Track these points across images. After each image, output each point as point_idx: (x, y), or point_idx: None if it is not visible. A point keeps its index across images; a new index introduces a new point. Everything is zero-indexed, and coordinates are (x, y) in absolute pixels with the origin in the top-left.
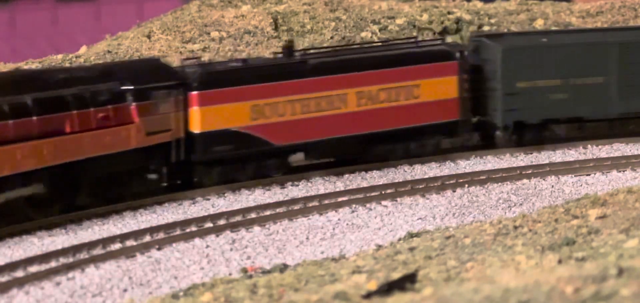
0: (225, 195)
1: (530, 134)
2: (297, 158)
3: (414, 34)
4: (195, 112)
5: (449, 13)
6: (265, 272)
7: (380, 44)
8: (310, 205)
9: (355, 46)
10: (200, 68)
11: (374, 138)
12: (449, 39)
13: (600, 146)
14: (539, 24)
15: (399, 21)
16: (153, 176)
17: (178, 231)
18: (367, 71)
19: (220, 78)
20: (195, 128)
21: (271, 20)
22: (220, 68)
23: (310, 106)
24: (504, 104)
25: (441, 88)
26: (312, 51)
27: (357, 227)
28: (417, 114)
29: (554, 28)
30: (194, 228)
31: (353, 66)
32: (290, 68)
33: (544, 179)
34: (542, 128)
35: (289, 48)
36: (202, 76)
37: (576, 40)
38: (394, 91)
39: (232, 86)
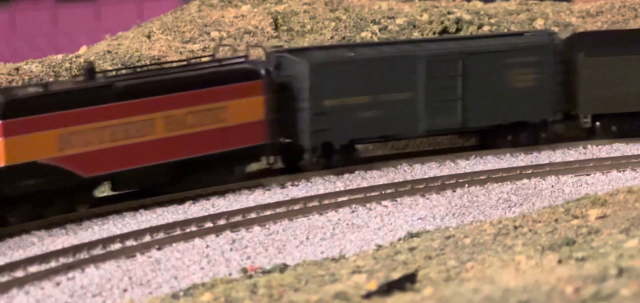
0: (225, 195)
1: (338, 156)
2: (102, 189)
3: (213, 52)
4: None
5: (449, 13)
6: (265, 272)
7: (186, 63)
8: (310, 205)
9: (164, 66)
10: (2, 96)
11: (184, 165)
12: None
13: (600, 146)
14: (539, 24)
15: (399, 21)
16: None
17: (178, 231)
18: (174, 93)
19: (26, 106)
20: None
21: (271, 20)
22: (24, 94)
23: (118, 133)
24: (311, 125)
25: (247, 110)
26: (116, 73)
27: (357, 227)
28: (224, 138)
29: (554, 29)
30: (194, 228)
31: (160, 88)
32: (97, 93)
33: (544, 179)
34: (350, 149)
35: (89, 70)
36: (5, 104)
37: (384, 53)
38: (201, 114)
39: (38, 113)
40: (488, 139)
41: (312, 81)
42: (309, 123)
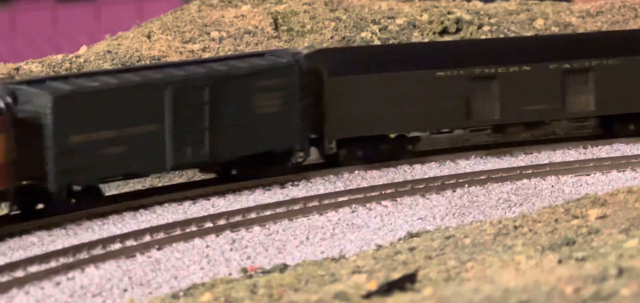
0: (225, 195)
1: (84, 199)
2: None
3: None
4: None
5: (449, 13)
6: (265, 272)
7: None
8: (310, 205)
9: None
10: None
11: None
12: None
13: (600, 146)
14: (539, 24)
15: (399, 21)
16: None
17: (178, 231)
18: None
19: None
20: None
21: (271, 20)
22: None
23: None
24: (56, 165)
25: None
26: None
27: (357, 227)
28: None
29: (554, 28)
30: (194, 228)
31: None
32: None
33: (544, 179)
34: (96, 192)
35: None
36: None
37: (129, 82)
38: None
39: None
40: (241, 173)
41: (55, 115)
42: (53, 162)
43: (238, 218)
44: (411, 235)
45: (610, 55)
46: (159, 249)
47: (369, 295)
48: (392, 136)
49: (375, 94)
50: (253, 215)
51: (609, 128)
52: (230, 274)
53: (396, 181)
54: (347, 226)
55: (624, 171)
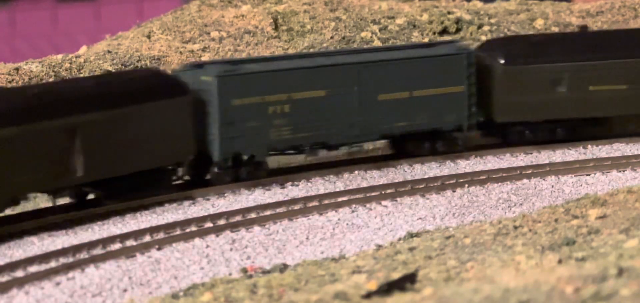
0: (225, 194)
1: (249, 170)
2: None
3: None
4: None
5: (449, 13)
6: (265, 272)
7: None
8: (310, 205)
9: None
10: None
11: None
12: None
13: (600, 146)
14: (538, 24)
15: (399, 21)
16: None
17: (178, 231)
18: None
19: None
20: None
21: (271, 20)
22: None
23: None
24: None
25: None
26: None
27: (357, 227)
28: None
29: (554, 28)
30: (194, 228)
31: None
32: None
33: (544, 179)
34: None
35: None
36: None
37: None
38: None
39: None
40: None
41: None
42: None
43: (238, 218)
44: (411, 235)
45: None
46: (159, 249)
47: (369, 295)
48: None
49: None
50: (253, 215)
51: None
52: (230, 274)
53: (396, 181)
54: (347, 226)
55: (624, 171)
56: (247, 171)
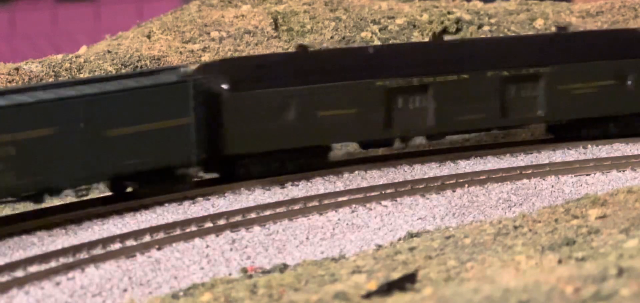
0: (226, 194)
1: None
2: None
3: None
4: None
5: (449, 13)
6: (265, 272)
7: None
8: (310, 205)
9: None
10: None
11: None
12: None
13: (600, 146)
14: (539, 24)
15: (399, 21)
16: None
17: (178, 231)
18: None
19: None
20: None
21: (271, 20)
22: None
23: None
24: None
25: None
26: None
27: (357, 227)
28: None
29: (553, 28)
30: (194, 228)
31: None
32: None
33: (544, 179)
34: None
35: None
36: None
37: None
38: None
39: None
40: None
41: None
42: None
43: (238, 218)
44: (411, 235)
45: None
46: (159, 249)
47: (369, 295)
48: None
49: None
50: (253, 215)
51: None
52: (230, 274)
53: (396, 181)
54: (347, 226)
55: (624, 171)
56: None
